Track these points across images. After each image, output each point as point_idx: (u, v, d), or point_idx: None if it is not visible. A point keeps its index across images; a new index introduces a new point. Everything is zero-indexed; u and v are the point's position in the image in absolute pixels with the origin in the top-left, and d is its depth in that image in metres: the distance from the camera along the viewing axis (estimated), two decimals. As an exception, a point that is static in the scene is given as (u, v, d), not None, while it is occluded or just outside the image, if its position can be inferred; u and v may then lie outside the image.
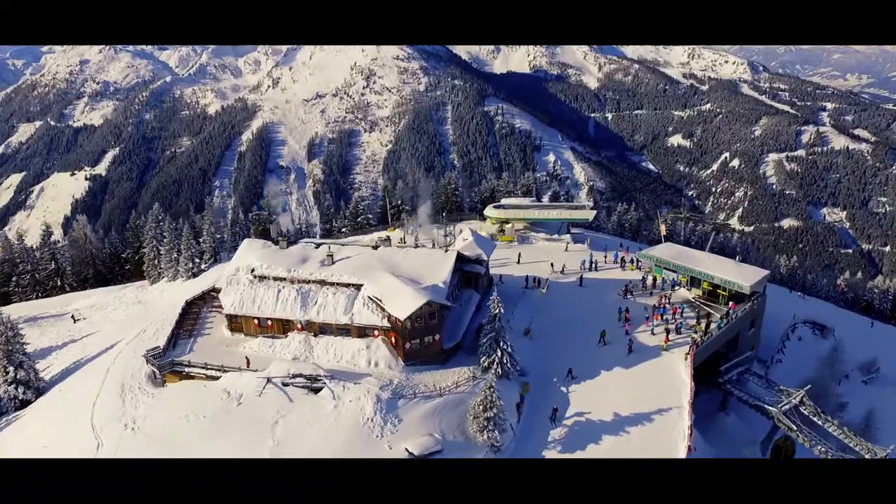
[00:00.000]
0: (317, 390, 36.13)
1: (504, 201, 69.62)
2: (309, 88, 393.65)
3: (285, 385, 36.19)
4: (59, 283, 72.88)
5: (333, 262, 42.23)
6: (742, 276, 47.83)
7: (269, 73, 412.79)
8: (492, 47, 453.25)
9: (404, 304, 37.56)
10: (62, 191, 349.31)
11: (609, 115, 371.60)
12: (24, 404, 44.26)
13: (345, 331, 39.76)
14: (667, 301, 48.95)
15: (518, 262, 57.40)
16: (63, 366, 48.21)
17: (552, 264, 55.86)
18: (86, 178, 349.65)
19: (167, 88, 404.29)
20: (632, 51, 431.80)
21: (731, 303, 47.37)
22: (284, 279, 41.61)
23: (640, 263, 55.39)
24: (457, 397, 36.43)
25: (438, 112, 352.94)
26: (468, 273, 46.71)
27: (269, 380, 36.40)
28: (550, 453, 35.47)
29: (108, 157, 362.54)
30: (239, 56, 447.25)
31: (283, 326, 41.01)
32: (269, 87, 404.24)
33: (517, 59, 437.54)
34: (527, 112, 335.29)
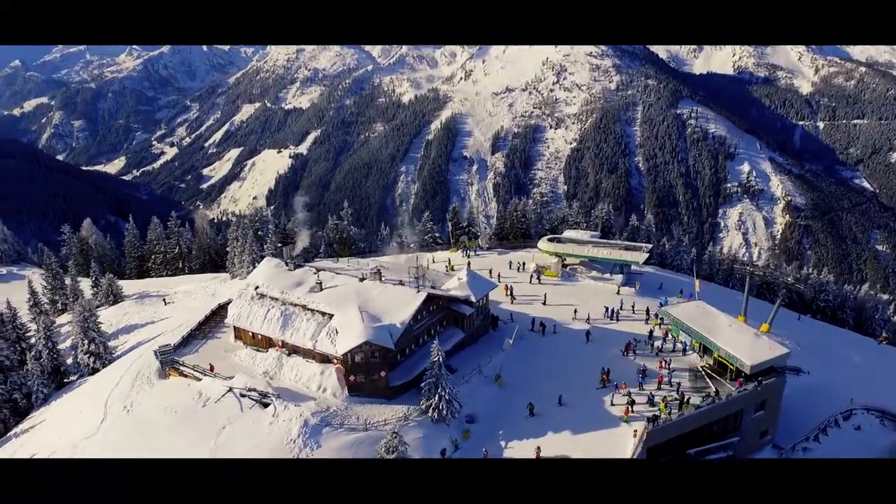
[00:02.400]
0: (265, 405, 42.07)
1: (567, 233, 69.76)
2: (499, 82, 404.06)
3: (242, 396, 42.64)
4: (180, 266, 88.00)
5: (321, 290, 47.70)
6: (750, 351, 44.82)
7: (462, 65, 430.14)
8: (693, 47, 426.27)
9: (346, 341, 42.05)
10: (269, 166, 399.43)
11: (821, 124, 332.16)
12: (94, 372, 56.31)
13: (311, 355, 45.13)
14: (666, 366, 47.34)
15: (544, 304, 58.20)
16: (133, 343, 59.93)
17: (576, 310, 55.81)
18: (290, 156, 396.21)
19: (367, 77, 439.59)
20: (859, 52, 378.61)
21: (738, 380, 44.59)
22: (277, 299, 48.06)
23: (662, 319, 53.32)
24: (379, 434, 40.00)
25: (627, 112, 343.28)
26: (455, 312, 49.42)
27: (230, 389, 43.17)
28: None
29: (310, 137, 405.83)
30: (437, 48, 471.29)
31: (268, 342, 47.62)
32: (461, 78, 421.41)
33: (720, 59, 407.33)
34: (723, 117, 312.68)
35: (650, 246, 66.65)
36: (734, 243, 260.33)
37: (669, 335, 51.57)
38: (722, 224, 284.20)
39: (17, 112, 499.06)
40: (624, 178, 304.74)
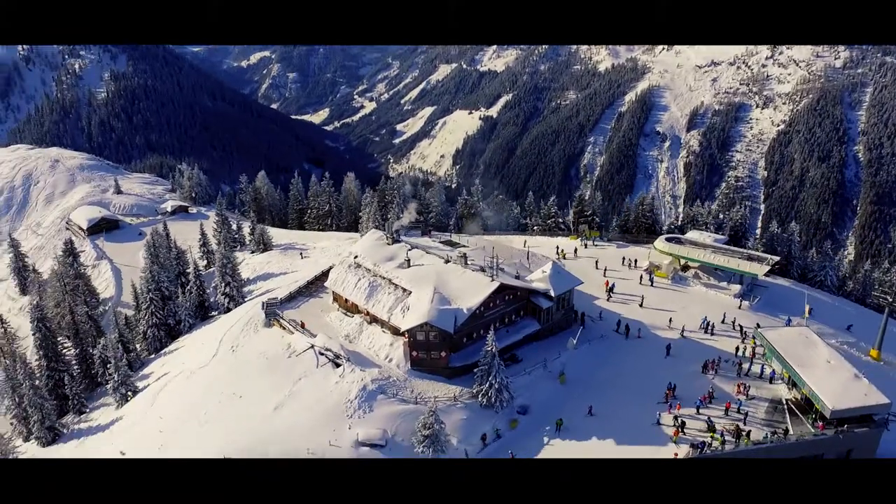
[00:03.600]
0: (337, 365, 47.45)
1: (689, 234, 66.73)
2: (704, 54, 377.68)
3: (320, 354, 48.43)
4: (329, 223, 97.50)
5: (409, 266, 51.74)
6: (839, 394, 41.51)
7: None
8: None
9: (412, 318, 45.69)
10: (459, 126, 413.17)
11: None
12: (228, 311, 66.16)
13: (387, 326, 49.58)
14: (744, 392, 45.18)
15: (641, 305, 57.25)
16: (264, 290, 69.03)
17: (671, 319, 54.23)
18: (479, 118, 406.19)
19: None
20: None
21: (820, 423, 41.60)
22: (369, 270, 52.98)
23: (758, 342, 50.17)
24: (427, 409, 43.47)
25: (853, 93, 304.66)
26: (533, 304, 50.91)
27: (312, 346, 49.14)
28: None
29: (501, 101, 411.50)
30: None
31: (355, 308, 52.86)
32: (664, 48, 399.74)
33: None
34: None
35: (776, 259, 61.48)
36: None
37: (761, 359, 48.56)
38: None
39: (244, 64, 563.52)
40: (837, 169, 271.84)
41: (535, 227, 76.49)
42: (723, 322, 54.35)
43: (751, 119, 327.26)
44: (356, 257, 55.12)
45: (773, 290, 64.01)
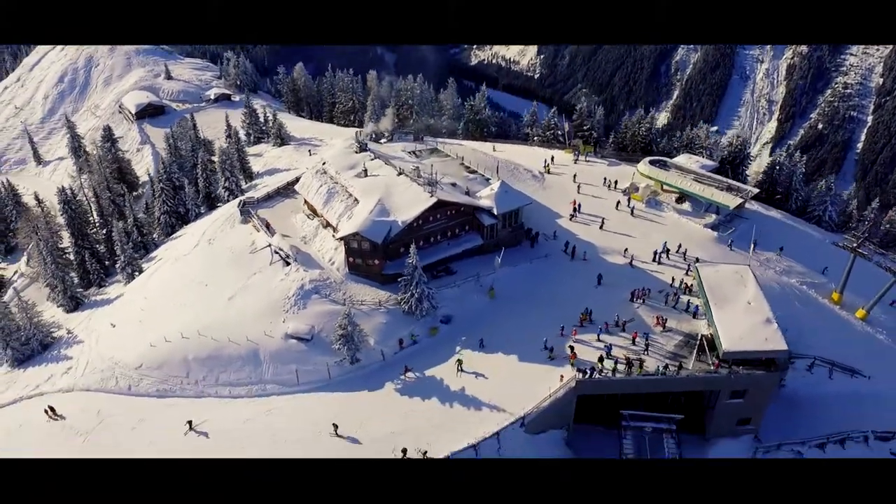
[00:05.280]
0: (287, 263, 52.63)
1: (678, 159, 65.62)
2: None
3: (275, 252, 53.66)
4: (352, 119, 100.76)
5: (365, 176, 55.08)
6: (737, 336, 42.89)
7: None
8: None
9: (348, 226, 49.63)
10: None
11: None
12: (227, 202, 72.35)
13: (335, 231, 53.82)
14: (662, 323, 46.96)
15: (601, 228, 58.42)
16: (265, 185, 74.43)
17: (626, 249, 55.06)
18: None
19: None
20: None
21: (716, 361, 43.29)
22: (331, 177, 56.76)
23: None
24: (353, 311, 48.18)
25: None
26: (477, 220, 53.47)
27: (269, 245, 54.37)
28: (390, 385, 45.22)
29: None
30: None
31: (315, 211, 57.20)
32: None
33: None
34: None
35: (755, 191, 60.09)
36: None
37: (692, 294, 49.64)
38: None
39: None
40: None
41: (535, 138, 76.80)
42: (677, 252, 54.93)
43: None
44: (324, 163, 58.83)
45: (760, 222, 62.89)
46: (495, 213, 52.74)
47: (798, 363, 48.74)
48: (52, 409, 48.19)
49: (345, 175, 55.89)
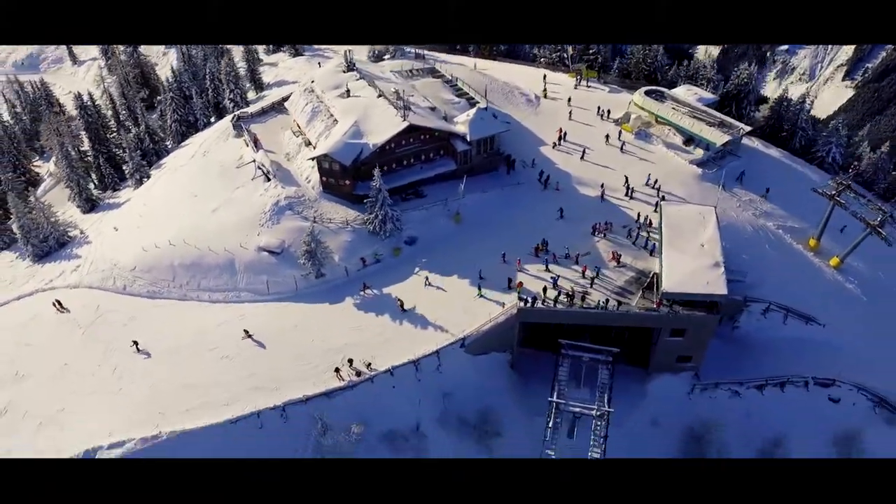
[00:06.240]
0: (268, 179, 55.56)
1: (676, 90, 64.28)
2: None
3: (257, 168, 56.57)
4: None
5: (347, 97, 56.63)
6: (679, 277, 44.25)
7: None
8: None
9: (319, 148, 51.84)
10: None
11: None
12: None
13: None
14: (616, 258, 48.37)
15: (581, 159, 58.85)
16: (270, 98, 76.58)
17: (603, 185, 55.38)
18: None
19: None
20: None
21: (657, 301, 44.83)
22: (317, 96, 58.48)
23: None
24: (322, 228, 51.17)
25: None
26: (451, 145, 54.79)
27: (254, 160, 57.24)
28: (350, 300, 48.59)
29: None
30: None
31: (300, 128, 59.41)
32: None
33: None
34: None
35: (746, 129, 58.87)
36: None
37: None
38: None
39: None
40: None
41: (542, 59, 75.89)
42: (652, 185, 55.16)
43: None
44: (313, 81, 60.43)
45: (757, 160, 61.99)
46: (468, 139, 53.81)
47: (754, 307, 49.80)
48: (59, 302, 53.56)
49: (329, 95, 57.53)
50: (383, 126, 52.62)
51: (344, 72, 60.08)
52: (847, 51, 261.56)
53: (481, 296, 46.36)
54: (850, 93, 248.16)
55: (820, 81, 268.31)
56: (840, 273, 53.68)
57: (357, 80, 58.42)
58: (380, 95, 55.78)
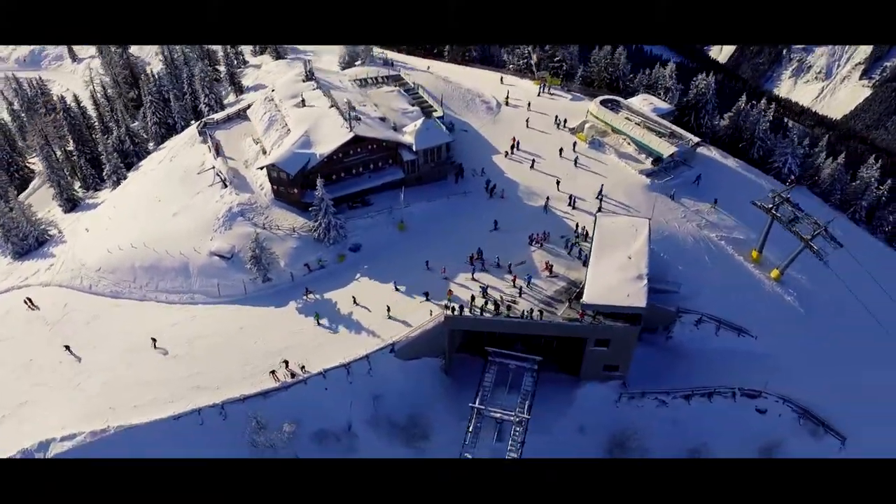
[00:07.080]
0: (225, 185, 58.20)
1: (633, 100, 65.60)
2: None
3: (216, 174, 59.22)
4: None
5: (303, 106, 58.99)
6: (599, 289, 46.31)
7: None
8: None
9: (268, 158, 54.25)
10: None
11: None
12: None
13: (271, 157, 58.60)
14: (549, 268, 50.12)
15: (531, 168, 60.52)
16: (245, 102, 79.18)
17: (547, 198, 56.91)
18: None
19: None
20: None
21: (581, 311, 46.63)
22: (276, 105, 60.91)
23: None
24: (268, 234, 53.67)
25: None
26: (399, 155, 56.93)
27: (213, 167, 59.90)
28: (293, 304, 51.03)
29: None
30: None
31: (259, 136, 61.92)
32: None
33: None
34: None
35: (696, 140, 60.10)
36: None
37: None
38: None
39: None
40: None
41: (510, 66, 77.52)
42: (596, 197, 56.71)
43: None
44: (273, 90, 62.88)
45: (713, 171, 63.15)
46: (413, 149, 55.86)
47: (686, 318, 51.25)
48: (30, 300, 56.78)
49: (287, 104, 59.95)
50: (332, 136, 54.92)
51: (303, 80, 62.36)
52: (865, 49, 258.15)
53: (391, 318, 48.19)
54: (868, 92, 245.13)
55: (836, 80, 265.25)
56: (779, 285, 54.89)
57: (314, 89, 60.69)
58: (332, 106, 58.04)
